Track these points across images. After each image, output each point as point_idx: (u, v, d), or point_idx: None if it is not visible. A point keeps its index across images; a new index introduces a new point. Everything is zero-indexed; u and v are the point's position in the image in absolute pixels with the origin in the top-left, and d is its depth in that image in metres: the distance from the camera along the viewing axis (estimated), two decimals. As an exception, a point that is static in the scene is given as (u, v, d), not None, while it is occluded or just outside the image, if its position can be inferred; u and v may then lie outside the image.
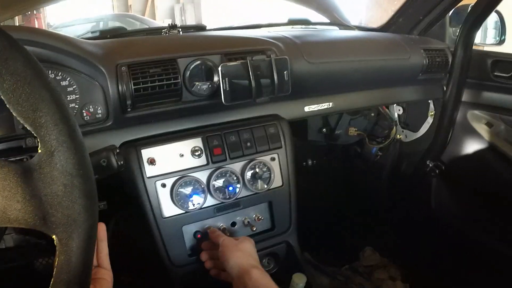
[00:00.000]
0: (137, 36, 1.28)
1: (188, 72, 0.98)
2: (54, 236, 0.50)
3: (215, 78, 1.01)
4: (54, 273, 0.50)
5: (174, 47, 1.03)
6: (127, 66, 0.93)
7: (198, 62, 0.99)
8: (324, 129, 1.52)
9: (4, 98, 0.48)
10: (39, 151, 0.49)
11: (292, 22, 1.51)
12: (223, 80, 0.97)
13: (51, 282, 0.50)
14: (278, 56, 1.05)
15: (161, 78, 0.95)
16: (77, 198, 0.49)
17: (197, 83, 1.00)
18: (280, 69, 1.03)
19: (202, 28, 1.34)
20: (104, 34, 1.22)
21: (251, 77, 0.99)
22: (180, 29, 1.25)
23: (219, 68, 0.96)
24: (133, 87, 0.92)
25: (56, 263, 0.50)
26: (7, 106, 0.48)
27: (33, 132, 0.49)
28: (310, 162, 1.54)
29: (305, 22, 1.53)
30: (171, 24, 1.25)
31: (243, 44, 1.09)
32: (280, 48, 1.11)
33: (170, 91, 0.97)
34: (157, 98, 0.96)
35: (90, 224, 0.51)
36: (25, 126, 0.49)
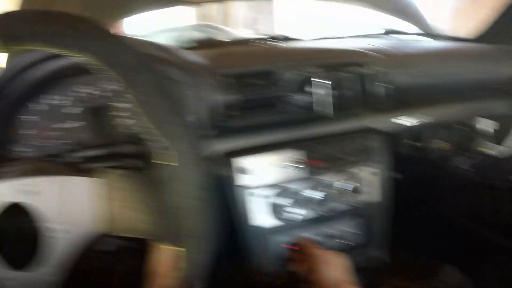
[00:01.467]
0: (229, 45, 1.32)
1: (288, 84, 1.00)
2: (173, 246, 0.53)
3: (315, 90, 1.02)
4: None
5: (274, 58, 1.05)
6: (227, 77, 0.96)
7: (299, 73, 1.00)
8: (414, 141, 1.48)
9: (137, 109, 0.51)
10: (168, 163, 0.51)
11: (387, 32, 1.50)
12: (324, 92, 0.97)
13: None
14: (377, 68, 1.05)
15: (260, 89, 0.97)
16: (198, 211, 0.52)
17: (296, 94, 1.01)
18: (379, 82, 1.03)
19: (293, 39, 1.36)
20: (199, 43, 1.27)
21: (351, 89, 0.99)
22: (272, 39, 1.27)
23: (320, 80, 0.97)
24: (235, 98, 0.95)
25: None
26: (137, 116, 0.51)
27: (155, 147, 0.52)
28: (398, 175, 1.51)
29: (400, 32, 1.51)
30: (262, 34, 1.28)
31: (343, 55, 1.09)
32: (379, 60, 1.10)
33: (270, 102, 0.99)
34: (258, 108, 0.99)
35: (209, 235, 0.54)
36: (148, 140, 0.52)
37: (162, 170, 0.51)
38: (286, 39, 1.32)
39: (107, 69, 0.50)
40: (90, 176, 0.54)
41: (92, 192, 0.53)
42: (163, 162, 0.51)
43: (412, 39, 1.56)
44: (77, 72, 1.00)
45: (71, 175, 0.57)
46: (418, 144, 1.46)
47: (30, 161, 0.76)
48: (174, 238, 0.52)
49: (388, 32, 1.55)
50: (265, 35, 1.32)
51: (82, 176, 0.54)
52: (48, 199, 0.53)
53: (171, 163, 0.50)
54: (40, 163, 0.71)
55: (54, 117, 1.00)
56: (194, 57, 1.00)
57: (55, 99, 1.00)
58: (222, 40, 1.36)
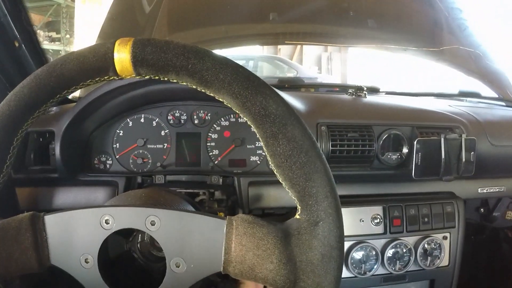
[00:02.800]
0: (314, 89, 1.37)
1: (381, 141, 1.04)
2: None
3: (405, 150, 1.06)
4: None
5: (369, 113, 1.10)
6: (327, 126, 1.00)
7: (393, 131, 1.04)
8: (481, 209, 1.49)
9: (274, 161, 0.52)
10: (298, 217, 0.53)
11: (462, 94, 1.52)
12: (417, 154, 1.01)
13: None
14: (467, 136, 1.08)
15: (357, 143, 1.01)
16: (332, 269, 0.51)
17: (388, 152, 1.05)
18: (468, 149, 1.05)
19: (376, 89, 1.40)
20: (283, 82, 1.32)
21: (442, 155, 1.02)
22: (358, 90, 1.31)
23: (415, 142, 1.01)
24: (330, 148, 0.99)
25: None
26: (275, 168, 0.52)
27: (295, 198, 0.52)
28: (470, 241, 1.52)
29: (475, 95, 1.53)
30: (347, 84, 1.33)
31: (433, 118, 1.13)
32: (467, 127, 1.13)
33: (363, 157, 1.03)
34: (349, 161, 1.03)
35: None
36: (289, 191, 0.52)
37: (295, 224, 0.53)
38: (373, 90, 1.36)
39: (242, 114, 0.53)
40: (215, 216, 0.57)
41: (214, 232, 0.54)
42: (297, 216, 0.54)
43: (491, 104, 1.57)
44: (176, 97, 1.09)
45: (195, 212, 0.61)
46: (482, 210, 1.48)
47: (153, 189, 0.81)
48: None
49: (464, 94, 1.57)
50: (358, 86, 1.35)
51: (205, 214, 0.57)
52: (167, 232, 0.55)
53: (305, 219, 0.54)
54: (163, 194, 0.76)
55: (147, 136, 1.08)
56: (293, 100, 1.05)
57: (152, 120, 1.09)
58: (310, 83, 1.41)
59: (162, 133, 1.08)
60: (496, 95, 1.66)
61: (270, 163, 0.53)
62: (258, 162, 1.09)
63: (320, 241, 0.51)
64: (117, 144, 1.07)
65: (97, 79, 0.55)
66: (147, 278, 0.65)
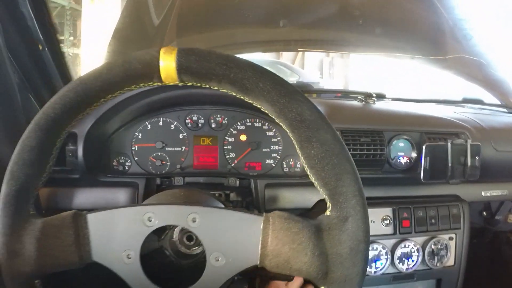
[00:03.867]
0: (321, 95, 1.44)
1: (392, 145, 1.10)
2: None
3: (413, 154, 1.12)
4: None
5: (379, 118, 1.16)
6: (341, 131, 1.07)
7: (402, 137, 1.11)
8: (484, 213, 1.56)
9: (308, 162, 0.58)
10: (328, 213, 0.58)
11: (465, 101, 1.59)
12: (425, 159, 1.07)
13: None
14: (472, 142, 1.14)
15: (369, 148, 1.08)
16: (359, 261, 0.57)
17: (397, 156, 1.11)
18: (473, 155, 1.12)
19: (382, 96, 1.47)
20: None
21: (449, 159, 1.09)
22: (366, 96, 1.38)
23: (423, 147, 1.07)
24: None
25: None
26: (308, 169, 0.58)
27: (326, 196, 0.58)
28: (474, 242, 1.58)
29: (479, 102, 1.60)
30: (354, 90, 1.40)
31: (440, 124, 1.20)
32: (472, 133, 1.20)
33: (375, 160, 1.09)
34: (362, 165, 1.09)
35: (361, 283, 0.59)
36: (321, 190, 0.58)
37: (325, 220, 0.58)
38: (380, 96, 1.43)
39: (278, 120, 0.59)
40: (252, 213, 0.63)
41: (252, 227, 0.59)
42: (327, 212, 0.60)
43: (493, 111, 1.64)
44: (194, 102, 1.15)
45: (233, 208, 0.67)
46: (485, 214, 1.54)
47: (189, 189, 0.87)
48: (324, 281, 0.60)
49: (467, 101, 1.65)
50: (365, 93, 1.41)
51: (243, 211, 0.63)
52: (206, 229, 0.60)
53: (336, 215, 0.58)
54: (199, 193, 0.83)
55: (166, 139, 1.13)
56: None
57: (171, 123, 1.14)
58: (320, 89, 1.48)
59: (180, 136, 1.14)
60: (498, 102, 1.73)
61: (304, 164, 0.58)
62: (273, 165, 1.15)
63: (348, 235, 0.57)
64: (136, 147, 1.13)
65: (141, 84, 0.60)
66: (179, 274, 0.70)
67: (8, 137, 0.87)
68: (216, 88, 0.59)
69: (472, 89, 1.75)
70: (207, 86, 0.59)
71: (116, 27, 1.54)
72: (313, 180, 0.58)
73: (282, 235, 0.58)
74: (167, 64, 0.57)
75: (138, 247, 0.60)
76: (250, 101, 0.59)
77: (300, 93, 0.58)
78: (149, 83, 0.60)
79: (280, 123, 0.59)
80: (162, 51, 0.57)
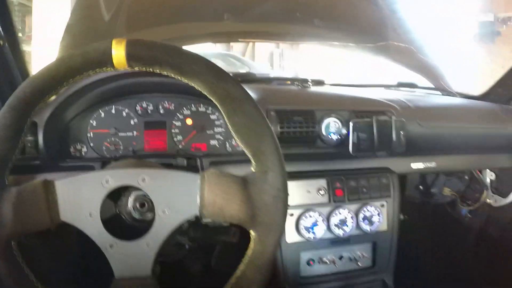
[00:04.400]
0: (266, 83, 1.57)
1: (323, 123, 1.24)
2: (252, 232, 0.72)
3: (343, 131, 1.26)
4: (248, 258, 0.73)
5: (312, 100, 1.30)
6: (275, 112, 1.20)
7: (332, 115, 1.25)
8: (421, 186, 1.71)
9: (234, 129, 0.72)
10: (253, 170, 0.73)
11: (400, 85, 1.75)
12: (353, 134, 1.21)
13: (245, 264, 0.73)
14: (396, 118, 1.29)
15: (301, 125, 1.21)
16: (280, 207, 0.72)
17: (328, 133, 1.25)
18: (398, 130, 1.26)
19: (321, 82, 1.61)
20: (236, 77, 1.52)
21: (375, 134, 1.23)
22: (304, 82, 1.51)
23: (350, 123, 1.21)
24: (279, 130, 1.19)
25: (251, 251, 0.73)
26: (234, 134, 0.73)
27: (250, 156, 0.73)
28: (402, 217, 1.73)
29: (412, 85, 1.76)
30: (295, 77, 1.54)
31: (368, 104, 1.34)
32: (397, 111, 1.34)
33: (307, 137, 1.23)
34: (295, 141, 1.22)
35: (283, 226, 0.74)
36: (246, 151, 0.73)
37: (251, 174, 0.72)
38: (319, 82, 1.57)
39: (209, 96, 0.72)
40: (190, 172, 0.76)
41: (191, 183, 0.72)
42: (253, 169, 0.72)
43: (424, 93, 1.80)
44: (143, 90, 1.26)
45: (175, 170, 0.80)
46: (427, 188, 1.70)
47: (140, 160, 1.00)
48: (252, 224, 0.71)
49: (402, 85, 1.80)
50: (304, 79, 1.55)
51: (183, 171, 0.76)
52: (153, 186, 0.73)
53: (259, 169, 0.71)
54: (148, 162, 0.96)
55: (118, 126, 1.24)
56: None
57: (122, 110, 1.25)
58: (261, 77, 1.61)
59: (132, 122, 1.25)
60: (432, 86, 1.90)
61: (231, 131, 0.73)
62: (217, 145, 1.27)
63: (270, 185, 0.70)
64: (91, 133, 1.23)
65: (97, 70, 0.72)
66: (134, 228, 0.80)
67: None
68: (158, 71, 0.72)
69: (408, 74, 1.90)
70: (151, 70, 0.72)
71: (68, 22, 1.64)
72: (239, 144, 0.72)
73: (216, 188, 0.71)
74: (118, 53, 0.70)
75: (98, 205, 0.72)
76: (186, 81, 0.73)
77: (227, 73, 0.73)
78: (104, 69, 0.72)
79: (211, 99, 0.73)
80: (114, 42, 0.70)
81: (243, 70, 2.86)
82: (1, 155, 0.71)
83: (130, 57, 0.70)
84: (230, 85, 0.71)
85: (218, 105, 0.73)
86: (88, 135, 1.23)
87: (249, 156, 0.73)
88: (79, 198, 0.72)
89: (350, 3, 1.85)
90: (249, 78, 1.50)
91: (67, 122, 1.21)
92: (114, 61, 0.71)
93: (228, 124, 0.73)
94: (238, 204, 0.71)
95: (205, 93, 0.73)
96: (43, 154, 1.12)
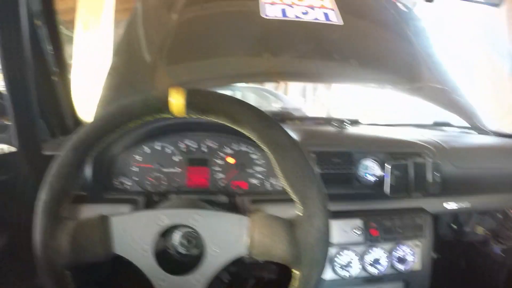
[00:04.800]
0: (302, 122, 1.63)
1: (360, 164, 1.29)
2: (296, 271, 0.77)
3: (379, 172, 1.30)
4: None
5: (350, 142, 1.35)
6: (315, 153, 1.26)
7: (369, 157, 1.29)
8: (453, 225, 1.73)
9: (282, 174, 0.77)
10: (299, 213, 0.77)
11: (436, 124, 1.79)
12: (390, 176, 1.26)
13: None
14: (432, 160, 1.32)
15: (339, 167, 1.26)
16: (323, 248, 0.77)
17: (365, 174, 1.30)
18: (433, 172, 1.30)
19: (356, 121, 1.66)
20: (276, 115, 1.58)
21: (410, 176, 1.27)
22: (340, 122, 1.57)
23: (387, 165, 1.26)
24: (318, 172, 1.24)
25: None
26: (282, 179, 0.77)
27: (297, 200, 0.77)
28: (434, 255, 1.74)
29: (447, 125, 1.79)
30: (331, 117, 1.59)
31: (404, 145, 1.38)
32: (432, 152, 1.38)
33: (344, 178, 1.27)
34: (333, 182, 1.27)
35: (324, 265, 0.78)
36: (293, 196, 0.77)
37: (297, 217, 0.77)
38: (354, 122, 1.62)
39: (259, 143, 0.78)
40: (240, 214, 0.81)
41: (240, 225, 0.78)
42: (297, 211, 0.77)
43: (459, 132, 1.83)
44: (186, 129, 1.33)
45: (226, 211, 0.84)
46: (459, 226, 1.71)
47: (191, 199, 1.07)
48: (297, 264, 0.76)
49: (437, 124, 1.84)
50: (340, 119, 1.60)
51: (233, 213, 0.82)
52: (205, 226, 0.79)
53: (305, 213, 0.75)
54: (199, 202, 1.02)
55: (162, 161, 1.31)
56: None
57: (166, 147, 1.32)
58: (299, 116, 1.67)
59: (175, 158, 1.32)
60: (467, 125, 1.92)
61: (279, 176, 0.78)
62: (258, 184, 1.33)
63: (314, 228, 0.74)
64: (136, 168, 1.30)
65: (156, 116, 0.79)
66: (182, 265, 0.84)
67: (28, 155, 1.05)
68: (213, 119, 0.79)
69: (443, 114, 1.94)
70: (207, 118, 0.79)
71: (111, 64, 1.74)
72: (286, 189, 0.78)
73: (265, 230, 0.77)
74: (177, 101, 0.77)
75: (152, 242, 0.79)
76: (239, 130, 0.79)
77: (277, 123, 0.79)
78: (162, 115, 0.79)
79: (261, 145, 0.78)
80: (172, 90, 0.77)
81: (276, 104, 2.93)
82: (61, 190, 0.77)
83: (189, 105, 0.77)
84: (279, 133, 0.77)
85: (267, 152, 0.79)
86: (133, 169, 1.30)
87: (296, 200, 0.78)
88: (134, 234, 0.79)
89: (387, 46, 1.90)
90: (287, 117, 1.56)
91: (113, 156, 1.29)
92: (173, 109, 0.77)
93: (276, 170, 0.78)
94: (284, 245, 0.76)
95: (255, 140, 0.79)
96: (90, 186, 1.19)
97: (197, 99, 0.77)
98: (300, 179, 0.76)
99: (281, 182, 0.79)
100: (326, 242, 0.77)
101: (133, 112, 0.78)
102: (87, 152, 0.79)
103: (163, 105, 0.77)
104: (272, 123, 0.78)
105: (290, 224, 0.77)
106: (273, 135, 0.77)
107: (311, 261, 0.76)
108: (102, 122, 0.78)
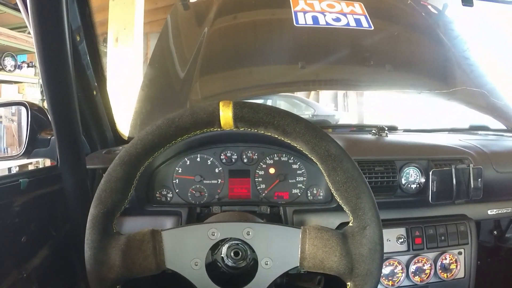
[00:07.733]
0: (340, 129, 1.66)
1: (403, 172, 1.32)
2: (350, 283, 0.79)
3: (422, 180, 1.33)
4: None
5: (391, 150, 1.38)
6: (358, 162, 1.28)
7: (411, 165, 1.32)
8: (495, 231, 1.74)
9: (334, 186, 0.79)
10: (351, 224, 0.79)
11: (472, 128, 1.80)
12: (432, 183, 1.28)
13: None
14: (474, 166, 1.34)
15: (383, 176, 1.29)
16: (376, 259, 0.78)
17: (408, 182, 1.32)
18: (475, 177, 1.32)
19: (394, 128, 1.69)
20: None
21: (453, 182, 1.30)
22: (379, 129, 1.59)
23: (430, 173, 1.28)
24: None
25: None
26: (334, 192, 0.79)
27: (349, 211, 0.80)
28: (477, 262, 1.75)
29: (484, 128, 1.80)
30: (369, 124, 1.62)
31: (445, 152, 1.41)
32: (474, 158, 1.40)
33: (388, 186, 1.30)
34: (376, 190, 1.30)
35: (379, 276, 0.80)
36: (344, 207, 0.80)
37: (349, 228, 0.79)
38: (392, 128, 1.65)
39: (310, 155, 0.80)
40: (292, 226, 0.83)
41: (292, 237, 0.80)
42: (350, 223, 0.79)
43: (497, 136, 1.84)
44: (227, 140, 1.36)
45: (278, 224, 0.86)
46: (501, 232, 1.72)
47: (240, 212, 1.10)
48: (350, 276, 0.78)
49: (474, 128, 1.85)
50: (380, 126, 1.62)
51: (285, 225, 0.84)
52: (257, 239, 0.81)
53: (357, 225, 0.78)
54: (248, 215, 1.05)
55: (203, 173, 1.34)
56: None
57: (207, 159, 1.36)
58: (338, 124, 1.70)
59: (216, 170, 1.36)
60: (504, 127, 1.93)
61: (330, 188, 0.80)
62: (299, 194, 1.36)
63: (367, 239, 0.76)
64: (177, 180, 1.34)
65: (205, 130, 0.81)
66: (234, 279, 0.87)
67: (70, 169, 1.10)
68: (263, 132, 0.81)
69: (480, 117, 1.95)
70: (256, 131, 0.81)
71: (146, 77, 1.79)
72: (338, 200, 0.80)
73: (317, 242, 0.79)
74: (225, 114, 0.78)
75: (204, 255, 0.81)
76: (289, 142, 0.81)
77: (327, 134, 0.80)
78: (211, 129, 0.81)
79: (312, 157, 0.81)
80: (221, 104, 0.79)
81: (308, 112, 2.96)
82: (112, 206, 0.79)
83: (237, 118, 0.78)
84: (331, 145, 0.78)
85: (318, 163, 0.81)
86: (174, 181, 1.34)
87: (348, 211, 0.80)
88: (185, 248, 0.81)
89: (420, 49, 1.93)
90: (326, 125, 1.59)
91: (154, 168, 1.33)
92: (222, 121, 0.79)
93: (328, 181, 0.80)
94: (337, 257, 0.77)
95: (306, 153, 0.81)
96: (131, 199, 1.23)
97: (245, 112, 0.78)
98: (352, 190, 0.78)
99: (322, 193, 0.80)
100: (380, 253, 0.78)
101: (182, 125, 0.78)
102: (137, 167, 0.81)
103: (212, 118, 0.78)
104: (323, 135, 0.80)
105: (342, 236, 0.79)
106: (324, 147, 0.78)
107: (364, 273, 0.77)
108: (151, 136, 0.79)
